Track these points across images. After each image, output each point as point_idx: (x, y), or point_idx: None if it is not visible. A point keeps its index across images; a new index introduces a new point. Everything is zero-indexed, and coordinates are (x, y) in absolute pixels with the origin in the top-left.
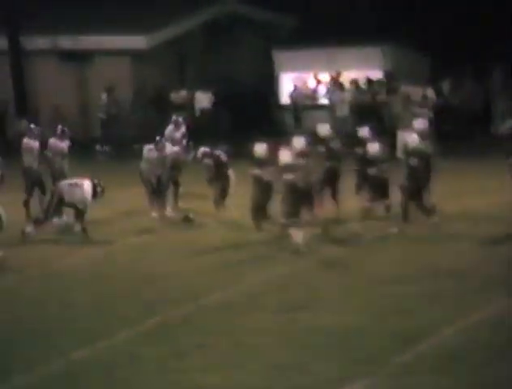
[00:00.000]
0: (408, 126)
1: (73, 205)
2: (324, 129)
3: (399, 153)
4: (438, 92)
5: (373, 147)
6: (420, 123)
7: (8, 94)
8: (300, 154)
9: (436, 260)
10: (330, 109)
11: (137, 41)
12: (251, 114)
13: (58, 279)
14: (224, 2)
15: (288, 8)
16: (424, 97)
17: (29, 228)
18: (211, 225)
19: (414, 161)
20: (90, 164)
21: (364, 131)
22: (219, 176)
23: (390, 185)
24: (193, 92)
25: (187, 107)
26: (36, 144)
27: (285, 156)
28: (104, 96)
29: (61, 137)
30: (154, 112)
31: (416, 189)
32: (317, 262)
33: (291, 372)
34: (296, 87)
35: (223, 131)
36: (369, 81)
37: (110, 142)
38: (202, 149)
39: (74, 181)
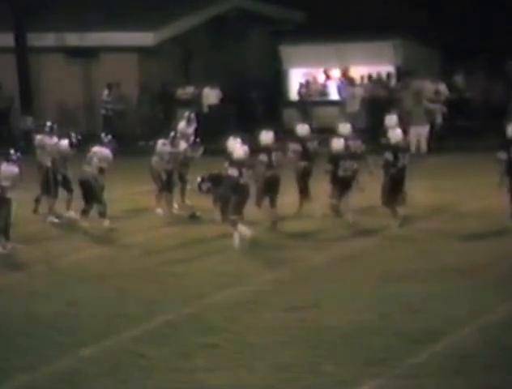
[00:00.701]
0: (420, 121)
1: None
2: (303, 128)
3: (412, 149)
4: (452, 87)
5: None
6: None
7: (14, 90)
8: (264, 150)
9: (448, 258)
10: (340, 104)
11: (143, 38)
12: (259, 110)
13: (64, 276)
14: None
15: (296, 2)
16: (437, 92)
17: (80, 220)
18: (218, 223)
19: (390, 156)
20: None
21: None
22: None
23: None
24: (200, 88)
25: (194, 103)
26: (50, 141)
27: (240, 151)
28: (105, 93)
29: (51, 133)
30: (160, 108)
31: (392, 184)
32: (326, 261)
33: (300, 372)
34: (305, 82)
35: (230, 128)
36: (380, 76)
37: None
38: None
39: None
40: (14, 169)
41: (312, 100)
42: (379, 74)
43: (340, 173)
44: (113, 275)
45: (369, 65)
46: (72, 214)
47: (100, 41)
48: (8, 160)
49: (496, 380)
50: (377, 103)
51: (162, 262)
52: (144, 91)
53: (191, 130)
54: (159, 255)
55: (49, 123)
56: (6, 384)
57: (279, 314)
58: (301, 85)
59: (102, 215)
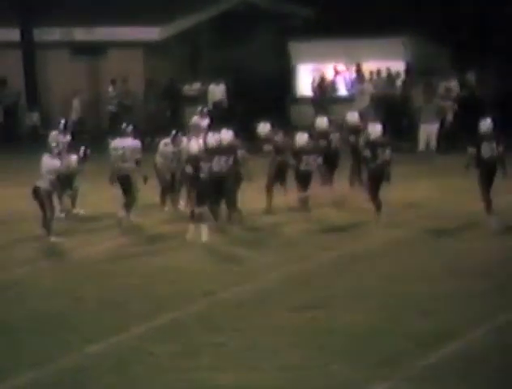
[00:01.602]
0: (430, 119)
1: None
2: (323, 122)
3: (421, 147)
4: (463, 84)
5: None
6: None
7: (20, 86)
8: (226, 145)
9: (459, 259)
10: (350, 101)
11: (150, 33)
12: (266, 107)
13: (70, 272)
14: None
15: None
16: (447, 89)
17: (121, 214)
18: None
19: (367, 152)
20: (101, 157)
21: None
22: None
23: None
24: (206, 85)
25: (200, 99)
26: (64, 139)
27: (195, 146)
28: (110, 89)
29: (65, 132)
30: (166, 104)
31: (372, 180)
32: (334, 260)
33: (307, 374)
34: (319, 78)
35: (237, 124)
36: (389, 73)
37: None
38: None
39: None
40: (56, 162)
41: (327, 96)
42: (388, 71)
43: (302, 167)
44: (119, 272)
45: (379, 61)
46: (81, 211)
47: (107, 36)
48: (51, 152)
49: (508, 383)
50: (386, 100)
51: (169, 259)
52: (150, 87)
53: (204, 124)
54: (166, 252)
55: (62, 121)
56: (12, 381)
57: (287, 313)
58: (314, 81)
59: (127, 206)
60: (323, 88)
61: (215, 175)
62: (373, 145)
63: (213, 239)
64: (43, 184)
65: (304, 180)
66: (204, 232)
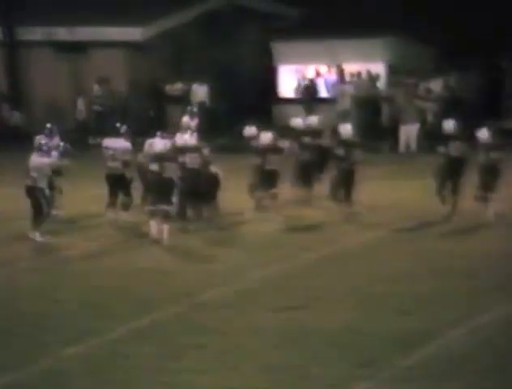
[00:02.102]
0: (411, 120)
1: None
2: (314, 120)
3: (401, 148)
4: (446, 85)
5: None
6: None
7: (2, 85)
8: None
9: (438, 259)
10: (331, 102)
11: (132, 33)
12: (249, 107)
13: (49, 273)
14: None
15: None
16: (427, 90)
17: (124, 216)
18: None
19: (341, 151)
20: (84, 157)
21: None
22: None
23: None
24: (189, 85)
25: (183, 99)
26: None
27: (159, 145)
28: (96, 88)
29: (50, 135)
30: (150, 105)
31: (341, 179)
32: (314, 261)
33: (289, 374)
34: (308, 80)
35: (220, 124)
36: (370, 74)
37: (103, 134)
38: None
39: None
40: (44, 160)
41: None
42: (369, 72)
43: (267, 166)
44: (99, 273)
45: (360, 62)
46: (60, 212)
47: (90, 36)
48: (38, 150)
49: (488, 383)
50: (366, 101)
51: (149, 260)
52: (133, 86)
53: (194, 123)
54: (146, 253)
55: (48, 125)
56: None
57: (268, 314)
58: (300, 83)
59: (125, 207)
60: (311, 89)
61: (190, 173)
62: (345, 145)
63: (192, 240)
64: (34, 182)
65: (268, 179)
66: (157, 231)
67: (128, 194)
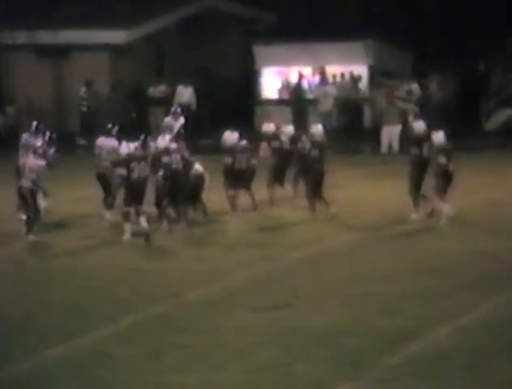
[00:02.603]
0: (392, 121)
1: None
2: (316, 128)
3: (383, 149)
4: (424, 87)
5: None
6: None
7: None
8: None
9: (423, 259)
10: (313, 103)
11: (115, 36)
12: (231, 109)
13: (32, 275)
14: None
15: (269, 2)
16: (409, 92)
17: (107, 215)
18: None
19: (315, 152)
20: (68, 158)
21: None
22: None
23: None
24: (173, 87)
25: (166, 101)
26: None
27: (126, 148)
28: (83, 90)
29: (36, 134)
30: (132, 107)
31: (316, 180)
32: (300, 260)
33: (272, 374)
34: (295, 82)
35: (203, 126)
36: (352, 76)
37: (89, 135)
38: None
39: None
40: (41, 162)
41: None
42: (351, 74)
43: (236, 165)
44: (82, 274)
45: (342, 64)
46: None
47: (72, 39)
48: (35, 152)
49: (472, 382)
50: (349, 102)
51: (133, 261)
52: (115, 89)
53: (177, 124)
54: (130, 253)
55: (35, 123)
56: None
57: (252, 314)
58: (284, 85)
59: (109, 206)
60: (297, 91)
61: (174, 174)
62: (319, 146)
63: (176, 240)
64: (26, 183)
65: (236, 178)
66: (128, 231)
67: (111, 193)
